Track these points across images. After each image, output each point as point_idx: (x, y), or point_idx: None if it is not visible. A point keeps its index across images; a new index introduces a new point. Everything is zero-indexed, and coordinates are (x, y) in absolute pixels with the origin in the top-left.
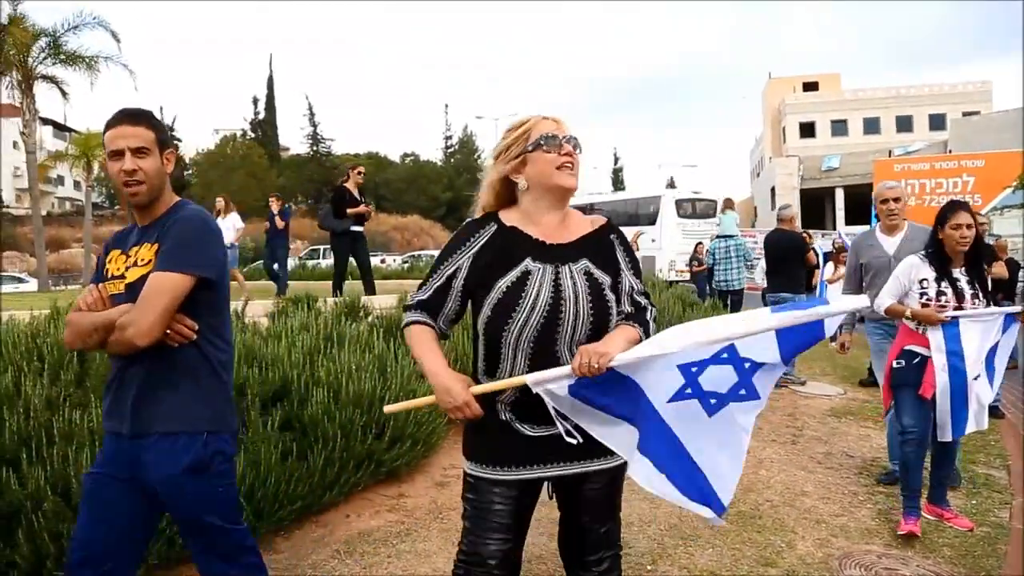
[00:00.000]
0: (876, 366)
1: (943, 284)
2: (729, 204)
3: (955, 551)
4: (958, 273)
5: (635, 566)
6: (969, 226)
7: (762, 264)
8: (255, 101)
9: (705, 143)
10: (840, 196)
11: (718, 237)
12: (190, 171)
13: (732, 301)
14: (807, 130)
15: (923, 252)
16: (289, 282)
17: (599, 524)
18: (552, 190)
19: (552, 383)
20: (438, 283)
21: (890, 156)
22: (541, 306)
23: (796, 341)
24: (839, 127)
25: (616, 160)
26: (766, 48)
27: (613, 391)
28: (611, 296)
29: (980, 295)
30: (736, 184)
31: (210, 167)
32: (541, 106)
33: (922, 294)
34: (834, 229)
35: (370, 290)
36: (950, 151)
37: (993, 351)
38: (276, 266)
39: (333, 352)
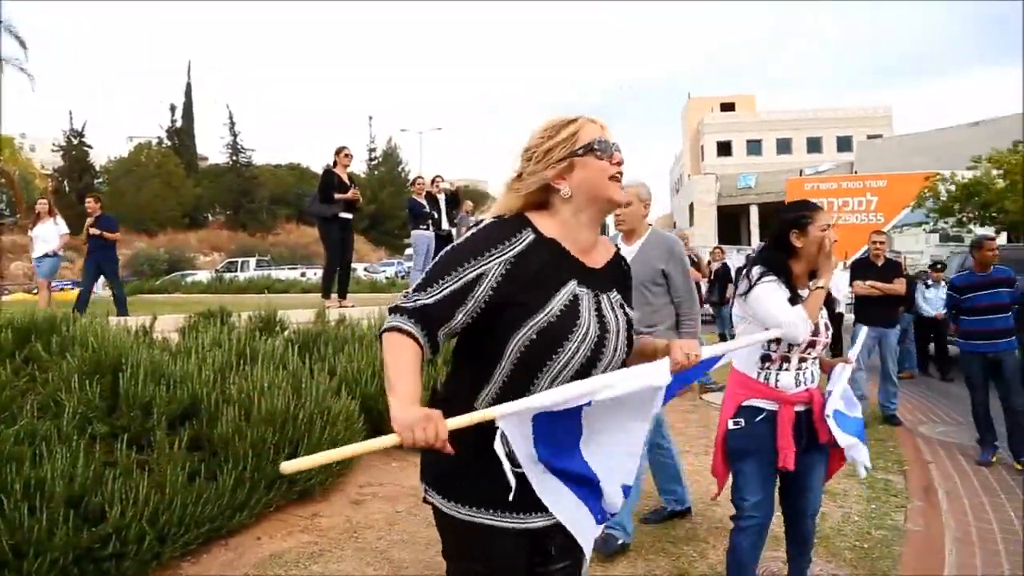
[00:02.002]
0: None
1: None
2: None
3: (855, 554)
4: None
5: None
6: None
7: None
8: (172, 108)
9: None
10: (755, 213)
11: None
12: (100, 179)
13: None
14: (724, 149)
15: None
16: (204, 295)
17: None
18: (599, 202)
19: (520, 414)
20: (451, 288)
21: (801, 175)
22: (591, 338)
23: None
24: (754, 147)
25: None
26: (690, 69)
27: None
28: (632, 335)
29: (826, 324)
30: (656, 200)
31: (123, 175)
32: (468, 123)
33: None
34: (749, 245)
35: (344, 290)
36: (855, 172)
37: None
38: (96, 285)
39: (245, 369)
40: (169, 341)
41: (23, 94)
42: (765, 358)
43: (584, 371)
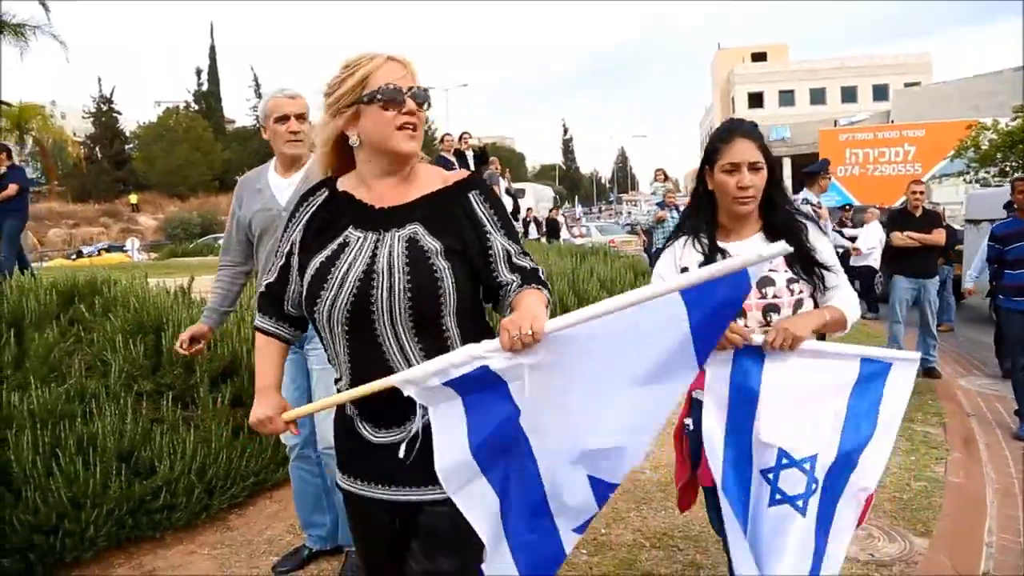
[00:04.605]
0: None
1: None
2: (656, 175)
3: (895, 505)
4: (743, 245)
5: (589, 530)
6: (756, 166)
7: None
8: (198, 72)
9: (657, 115)
10: (788, 165)
11: (656, 205)
12: (131, 145)
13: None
14: (755, 100)
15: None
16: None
17: (444, 563)
18: (387, 154)
19: (423, 382)
20: (281, 263)
21: (835, 126)
22: (351, 282)
23: (711, 309)
24: (786, 97)
25: (565, 131)
26: (716, 20)
27: (495, 409)
28: (442, 264)
29: (792, 279)
30: (688, 154)
31: (153, 141)
32: (494, 80)
33: None
34: None
35: None
36: (892, 121)
37: (856, 424)
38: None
39: None
40: (207, 302)
41: (51, 61)
42: None
43: (358, 315)
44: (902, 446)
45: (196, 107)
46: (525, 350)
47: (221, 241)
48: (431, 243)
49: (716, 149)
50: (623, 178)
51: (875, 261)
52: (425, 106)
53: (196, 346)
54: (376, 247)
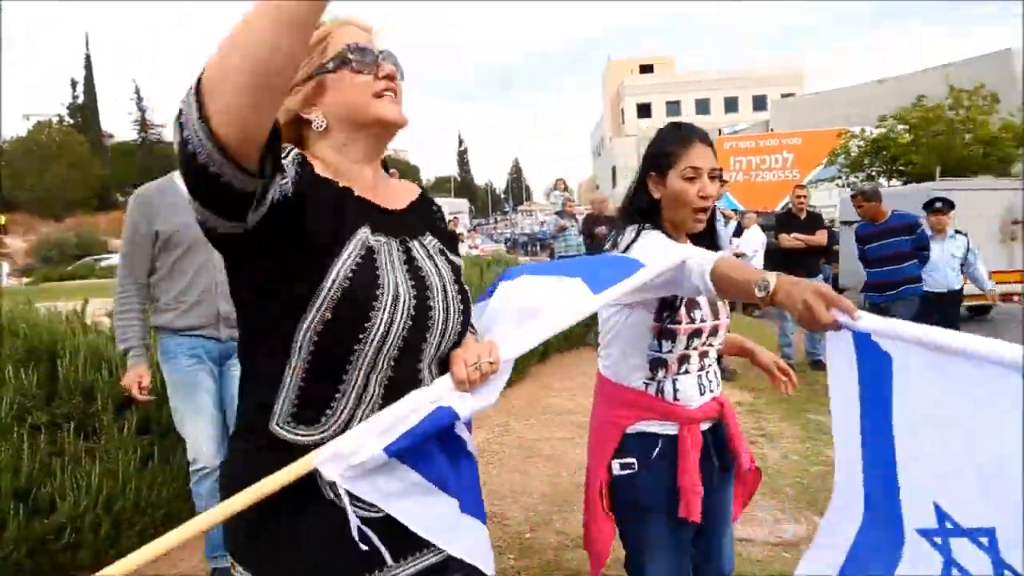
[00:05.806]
0: None
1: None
2: (557, 184)
3: (795, 489)
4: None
5: (514, 535)
6: (714, 175)
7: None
8: (73, 83)
9: (550, 125)
10: None
11: (555, 214)
12: None
13: None
14: (644, 111)
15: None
16: None
17: None
18: (366, 128)
19: (359, 453)
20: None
21: (720, 135)
22: (405, 304)
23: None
24: (673, 108)
25: (460, 143)
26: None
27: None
28: (466, 286)
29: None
30: (579, 163)
31: (22, 157)
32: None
33: (666, 310)
34: None
35: None
36: (771, 130)
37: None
38: None
39: None
40: (101, 325)
41: None
42: (657, 364)
43: (409, 348)
44: (798, 434)
45: (71, 121)
46: (477, 383)
47: (116, 265)
48: (456, 259)
49: (673, 153)
50: (518, 189)
51: (759, 263)
52: (400, 75)
53: (145, 393)
54: (410, 258)
